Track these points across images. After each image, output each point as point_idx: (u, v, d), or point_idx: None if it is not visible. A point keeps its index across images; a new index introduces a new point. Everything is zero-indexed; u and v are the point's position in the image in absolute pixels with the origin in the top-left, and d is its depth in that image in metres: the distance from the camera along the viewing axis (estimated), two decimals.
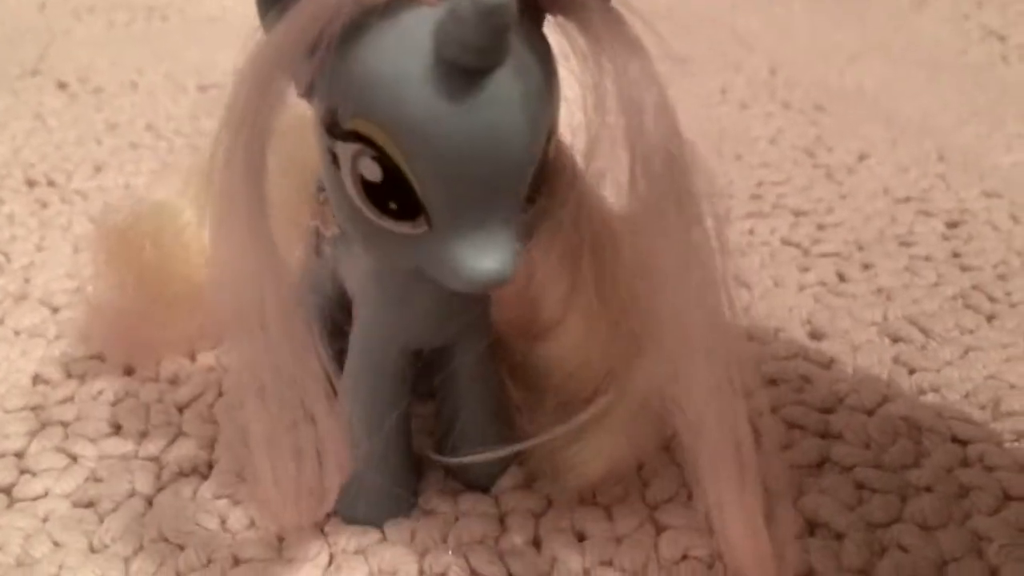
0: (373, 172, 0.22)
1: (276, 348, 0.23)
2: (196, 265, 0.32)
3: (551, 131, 0.23)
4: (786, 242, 0.47)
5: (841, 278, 0.44)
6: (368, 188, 0.22)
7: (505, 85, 0.21)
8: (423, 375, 0.30)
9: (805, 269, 0.44)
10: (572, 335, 0.28)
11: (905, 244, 0.46)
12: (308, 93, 0.23)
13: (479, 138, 0.21)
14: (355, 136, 0.22)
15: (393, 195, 0.22)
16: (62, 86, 0.67)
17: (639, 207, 0.23)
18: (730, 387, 0.24)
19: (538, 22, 0.23)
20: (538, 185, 0.24)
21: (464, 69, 0.21)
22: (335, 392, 0.25)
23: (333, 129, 0.22)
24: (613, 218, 0.26)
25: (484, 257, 0.22)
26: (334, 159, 0.23)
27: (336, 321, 0.29)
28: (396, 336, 0.28)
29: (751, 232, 0.48)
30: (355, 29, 0.21)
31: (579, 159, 0.25)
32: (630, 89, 0.22)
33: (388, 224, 0.23)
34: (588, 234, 0.26)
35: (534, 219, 0.25)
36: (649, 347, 0.25)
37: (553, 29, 0.23)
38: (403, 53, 0.21)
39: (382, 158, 0.22)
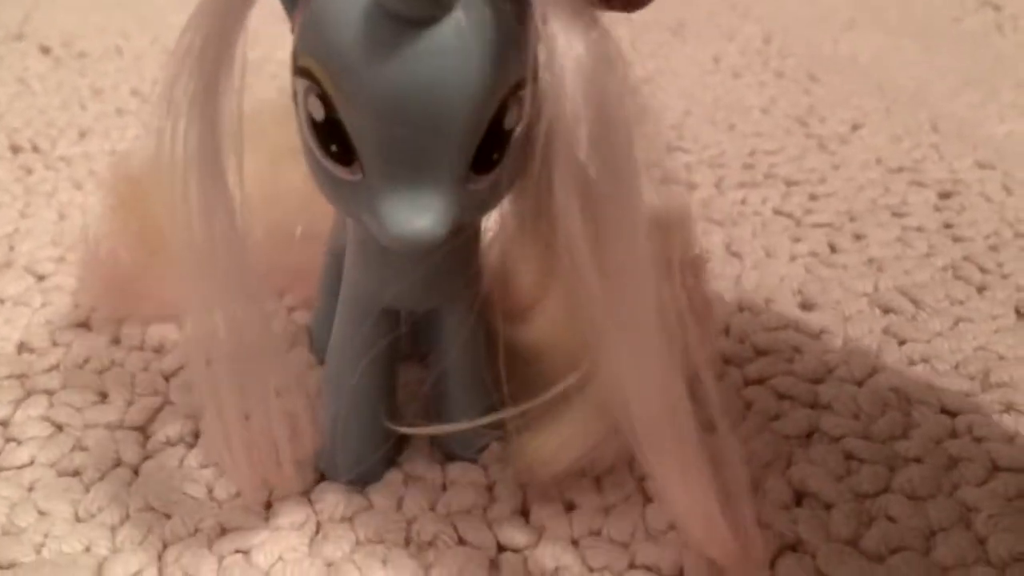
0: (318, 110, 0.22)
1: (232, 310, 0.23)
2: None
3: (509, 96, 0.22)
4: (778, 212, 0.47)
5: (833, 248, 0.43)
6: (315, 127, 0.22)
7: (448, 40, 0.21)
8: (421, 337, 0.30)
9: (797, 239, 0.44)
10: (549, 318, 0.27)
11: (897, 215, 0.46)
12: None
13: (411, 91, 0.21)
14: (305, 72, 0.22)
15: (333, 137, 0.22)
16: (46, 51, 0.66)
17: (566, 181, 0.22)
18: (665, 365, 0.23)
19: None
20: (492, 154, 0.23)
21: (403, 18, 0.20)
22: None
23: (293, 64, 0.22)
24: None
25: (410, 215, 0.22)
26: (296, 96, 0.23)
27: None
28: (376, 295, 0.27)
29: (743, 202, 0.47)
30: None
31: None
32: (550, 48, 0.21)
33: (330, 166, 0.23)
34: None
35: (492, 190, 0.24)
36: (603, 333, 0.24)
37: None
38: None
39: (324, 97, 0.22)
